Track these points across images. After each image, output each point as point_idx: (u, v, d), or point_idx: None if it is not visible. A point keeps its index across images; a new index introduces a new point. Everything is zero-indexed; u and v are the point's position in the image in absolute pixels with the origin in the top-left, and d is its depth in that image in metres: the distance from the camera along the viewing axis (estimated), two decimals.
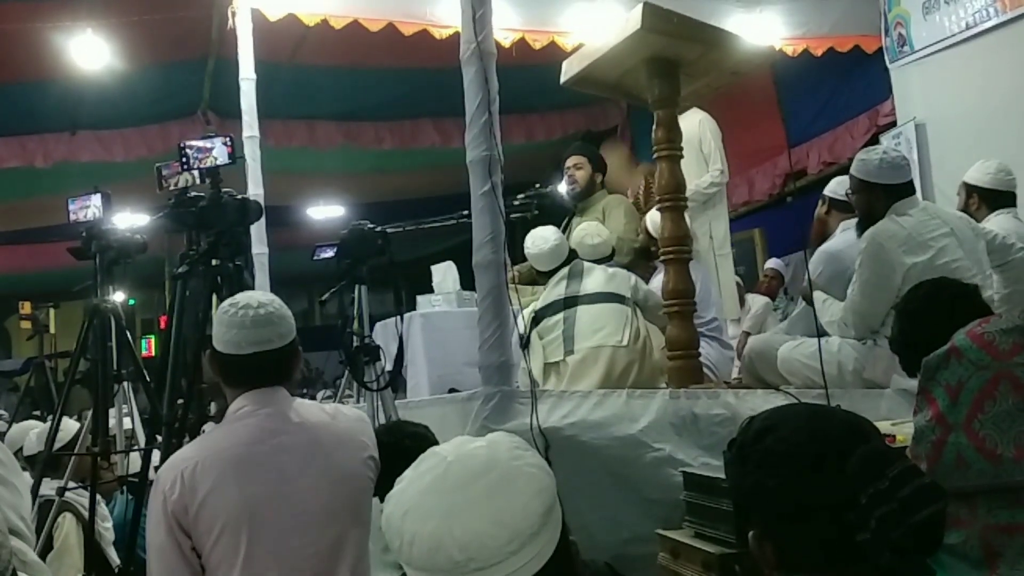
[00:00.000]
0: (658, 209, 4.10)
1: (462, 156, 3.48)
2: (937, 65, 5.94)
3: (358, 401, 3.87)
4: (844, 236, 4.21)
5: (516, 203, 5.14)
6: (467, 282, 4.69)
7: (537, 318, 4.49)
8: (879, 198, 3.78)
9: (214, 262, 3.55)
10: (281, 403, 2.30)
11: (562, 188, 5.63)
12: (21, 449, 4.31)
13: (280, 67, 6.77)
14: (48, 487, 3.87)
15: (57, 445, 4.05)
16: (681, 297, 3.89)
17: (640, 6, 3.65)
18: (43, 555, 3.59)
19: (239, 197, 3.65)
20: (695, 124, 5.61)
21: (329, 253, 4.18)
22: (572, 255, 4.74)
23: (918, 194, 5.84)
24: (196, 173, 3.65)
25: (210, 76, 7.60)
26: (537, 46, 5.93)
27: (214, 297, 3.53)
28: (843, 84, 7.16)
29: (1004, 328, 1.96)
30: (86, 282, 4.15)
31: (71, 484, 3.95)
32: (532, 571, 1.15)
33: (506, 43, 5.57)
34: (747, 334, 5.95)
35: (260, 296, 2.34)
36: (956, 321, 2.10)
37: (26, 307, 9.98)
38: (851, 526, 1.22)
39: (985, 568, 1.88)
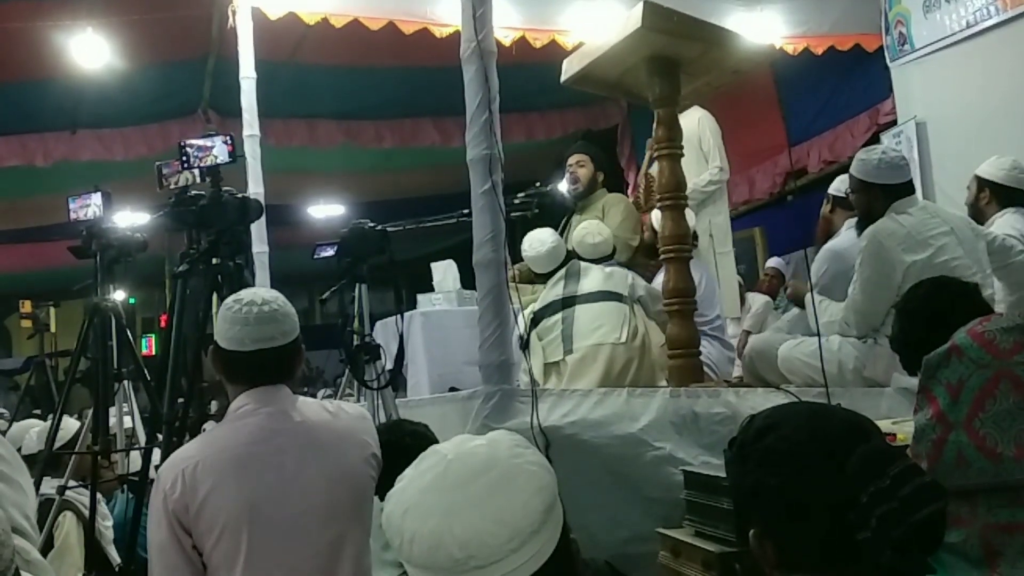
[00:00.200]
0: (658, 208, 4.10)
1: (462, 155, 3.48)
2: (938, 64, 5.93)
3: (359, 400, 3.87)
4: (849, 234, 4.21)
5: (516, 202, 5.13)
6: (467, 281, 4.70)
7: (536, 319, 4.50)
8: (878, 198, 3.79)
9: (214, 261, 3.55)
10: (283, 402, 2.29)
11: (563, 186, 5.63)
12: (21, 448, 4.30)
13: (280, 66, 6.77)
14: (48, 486, 3.87)
15: (57, 444, 4.05)
16: (682, 295, 3.89)
17: (640, 4, 3.65)
18: (44, 554, 3.57)
19: (239, 196, 3.65)
20: (694, 122, 5.61)
21: (329, 252, 4.18)
22: (569, 256, 4.75)
23: (919, 192, 5.86)
24: (196, 172, 3.65)
25: (210, 75, 7.59)
26: (537, 45, 5.92)
27: (214, 296, 3.53)
28: (844, 83, 7.16)
29: (1005, 327, 1.96)
30: (86, 281, 4.15)
31: (71, 483, 3.95)
32: (532, 569, 1.15)
33: (506, 42, 5.57)
34: (747, 333, 5.95)
35: (264, 293, 2.33)
36: (957, 320, 2.10)
37: (27, 306, 9.96)
38: (852, 525, 1.22)
39: (985, 567, 1.88)
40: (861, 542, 1.21)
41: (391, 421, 3.36)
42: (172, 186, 3.78)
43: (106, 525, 4.09)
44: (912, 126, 6.13)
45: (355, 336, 3.83)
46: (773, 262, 7.42)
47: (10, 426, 5.65)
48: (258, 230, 5.25)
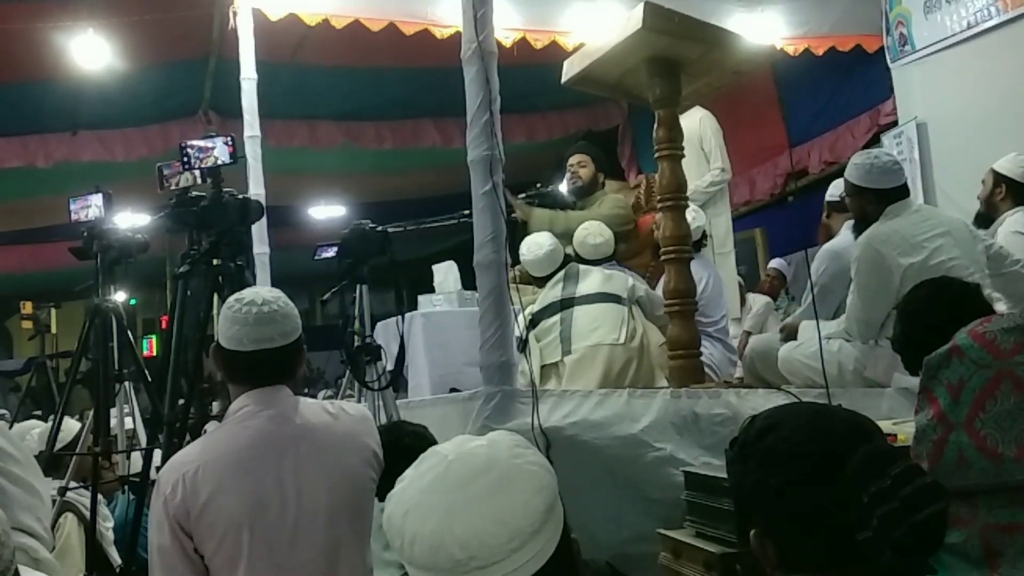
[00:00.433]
0: (659, 209, 4.10)
1: (463, 156, 3.48)
2: (938, 64, 5.94)
3: (359, 401, 3.87)
4: (846, 234, 4.23)
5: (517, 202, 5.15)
6: (468, 282, 4.70)
7: (534, 320, 4.50)
8: (871, 202, 3.81)
9: (215, 262, 3.55)
10: (283, 404, 2.28)
11: (563, 186, 5.63)
12: None
13: (281, 67, 6.77)
14: (49, 487, 3.87)
15: (58, 445, 4.05)
16: (682, 297, 3.89)
17: (641, 5, 3.64)
18: None
19: (240, 197, 3.65)
20: (695, 122, 5.62)
21: (330, 253, 4.18)
22: (567, 259, 4.75)
23: (920, 193, 5.89)
24: (197, 173, 3.66)
25: (211, 76, 7.60)
26: (538, 45, 5.93)
27: (215, 297, 3.53)
28: (844, 83, 7.17)
29: (1006, 327, 1.96)
30: (87, 282, 4.16)
31: (72, 484, 3.95)
32: (533, 569, 1.15)
33: (507, 43, 5.58)
34: (748, 334, 5.95)
35: (266, 293, 2.31)
36: (958, 320, 2.09)
37: (27, 307, 9.97)
38: (853, 525, 1.21)
39: (986, 567, 1.88)
40: (862, 542, 1.21)
41: (391, 422, 3.36)
42: (173, 187, 3.78)
43: (107, 526, 4.09)
44: (913, 127, 6.13)
45: (356, 337, 3.83)
46: (775, 263, 7.43)
47: (11, 427, 5.65)
48: (259, 231, 5.26)
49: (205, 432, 3.32)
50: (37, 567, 1.73)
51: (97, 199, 4.06)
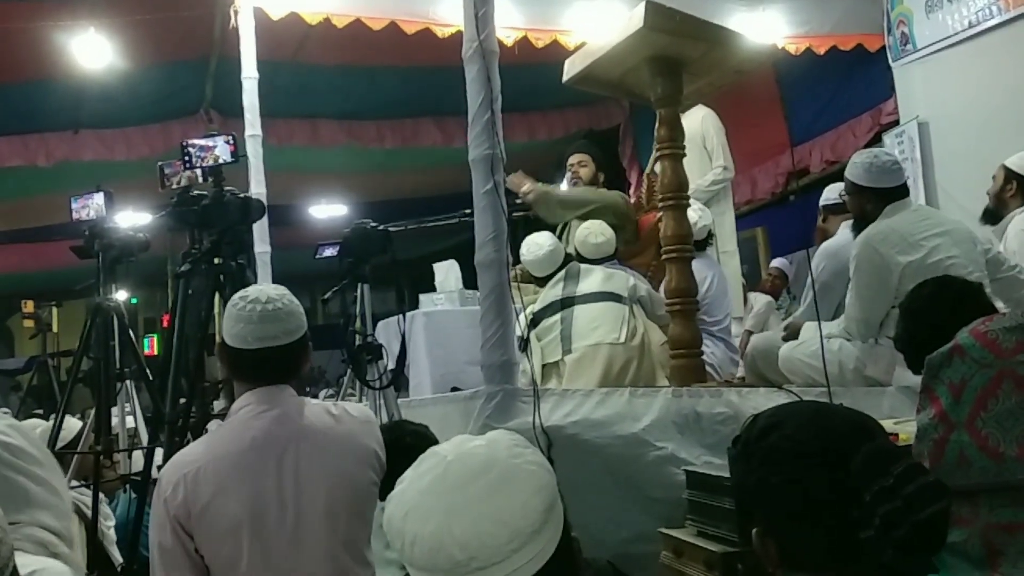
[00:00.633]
0: (660, 208, 4.10)
1: (464, 155, 3.48)
2: (940, 64, 5.93)
3: (360, 400, 3.87)
4: (844, 234, 4.24)
5: (518, 202, 5.14)
6: (469, 281, 4.70)
7: (535, 320, 4.49)
8: (870, 201, 3.82)
9: (216, 261, 3.55)
10: (285, 404, 2.27)
11: (564, 186, 5.63)
12: None
13: (282, 66, 6.77)
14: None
15: (60, 444, 4.05)
16: (683, 296, 3.89)
17: (643, 4, 3.64)
18: None
19: (241, 195, 3.65)
20: (698, 120, 5.62)
21: (331, 252, 4.18)
22: (568, 258, 4.75)
23: (921, 193, 5.89)
24: (199, 172, 3.66)
25: (212, 75, 7.61)
26: (539, 45, 5.93)
27: (216, 296, 3.53)
28: (846, 83, 7.16)
29: (1008, 326, 1.95)
30: (89, 281, 4.16)
31: (74, 483, 3.95)
32: (534, 569, 1.15)
33: (508, 42, 5.57)
34: (749, 333, 5.95)
35: (270, 290, 2.30)
36: (960, 319, 2.09)
37: (29, 306, 9.97)
38: (855, 523, 1.21)
39: (987, 567, 1.87)
40: (864, 541, 1.21)
41: (392, 422, 3.36)
42: (174, 186, 3.79)
43: (108, 525, 4.09)
44: (914, 126, 6.13)
45: (357, 336, 3.83)
46: (777, 262, 7.44)
47: None
48: (260, 230, 5.26)
49: (207, 431, 3.32)
50: (60, 558, 1.78)
51: (98, 198, 4.07)
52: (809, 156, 7.57)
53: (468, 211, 3.59)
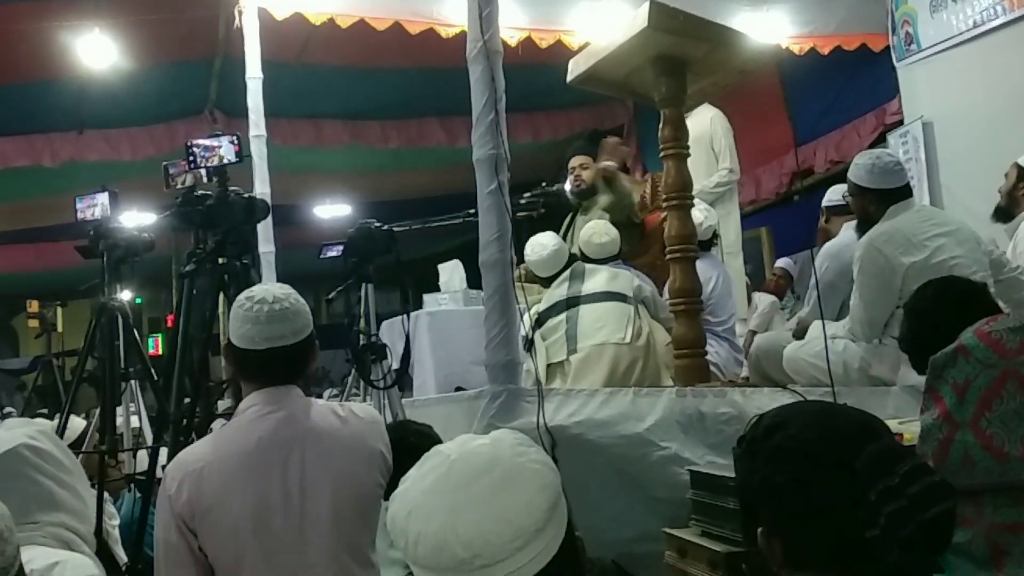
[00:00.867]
0: (664, 208, 4.10)
1: (469, 155, 3.48)
2: (944, 63, 5.93)
3: (364, 399, 3.87)
4: (847, 234, 4.24)
5: (522, 202, 5.13)
6: (474, 281, 4.70)
7: (540, 320, 4.50)
8: (872, 202, 3.82)
9: (221, 260, 3.55)
10: (292, 405, 2.26)
11: (566, 187, 5.63)
12: None
13: (287, 66, 6.78)
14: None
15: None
16: (687, 295, 3.89)
17: (647, 4, 3.64)
18: None
19: (246, 195, 3.65)
20: (706, 121, 5.60)
21: (336, 252, 4.18)
22: (572, 258, 4.75)
23: (925, 193, 5.89)
24: (203, 172, 3.66)
25: (217, 75, 7.61)
26: (543, 45, 5.93)
27: (221, 296, 3.54)
28: (850, 83, 7.15)
29: (1011, 327, 1.96)
30: (93, 281, 4.17)
31: None
32: (537, 567, 1.15)
33: (512, 42, 5.57)
34: (753, 333, 5.95)
35: (276, 290, 2.29)
36: (964, 319, 2.09)
37: (34, 306, 9.98)
38: (860, 523, 1.21)
39: (991, 567, 1.88)
40: (869, 541, 1.20)
41: (396, 421, 3.36)
42: (179, 186, 3.79)
43: (113, 524, 4.10)
44: (919, 126, 6.12)
45: (361, 336, 3.84)
46: (782, 262, 7.43)
47: None
48: (264, 230, 5.26)
49: (211, 431, 3.33)
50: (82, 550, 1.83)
51: (103, 198, 4.07)
52: (813, 156, 7.57)
53: (472, 211, 3.59)
